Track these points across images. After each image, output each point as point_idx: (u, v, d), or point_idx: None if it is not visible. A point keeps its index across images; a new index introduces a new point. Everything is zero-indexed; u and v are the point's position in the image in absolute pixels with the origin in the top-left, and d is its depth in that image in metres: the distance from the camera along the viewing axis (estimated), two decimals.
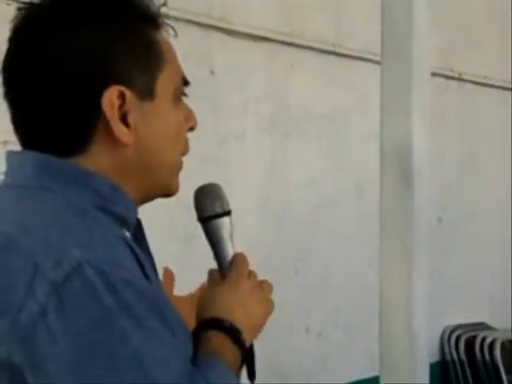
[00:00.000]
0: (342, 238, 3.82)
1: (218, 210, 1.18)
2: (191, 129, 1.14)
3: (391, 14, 2.06)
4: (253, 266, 3.89)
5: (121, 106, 1.01)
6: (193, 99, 3.49)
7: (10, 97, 1.04)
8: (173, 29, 1.12)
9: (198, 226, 1.20)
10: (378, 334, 2.04)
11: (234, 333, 1.08)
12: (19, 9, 1.04)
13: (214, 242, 1.19)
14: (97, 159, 1.03)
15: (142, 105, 1.04)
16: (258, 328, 1.15)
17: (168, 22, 1.12)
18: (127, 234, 1.05)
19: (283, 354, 3.41)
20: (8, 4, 2.39)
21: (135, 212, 1.09)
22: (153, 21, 1.08)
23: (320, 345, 3.71)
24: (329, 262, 3.77)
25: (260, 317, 1.15)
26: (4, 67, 1.04)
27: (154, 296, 0.95)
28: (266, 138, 3.49)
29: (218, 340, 1.06)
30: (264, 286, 1.17)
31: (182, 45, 3.58)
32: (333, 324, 3.79)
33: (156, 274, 1.14)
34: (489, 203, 4.82)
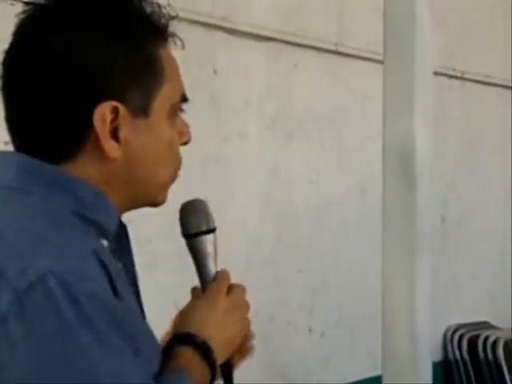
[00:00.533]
0: (344, 238, 3.82)
1: (203, 228, 1.18)
2: (184, 143, 1.15)
3: (393, 13, 2.06)
4: (255, 265, 3.88)
5: (113, 121, 1.01)
6: (196, 98, 3.48)
7: (5, 92, 1.04)
8: (181, 40, 1.12)
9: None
10: (380, 333, 2.04)
11: (204, 350, 1.08)
12: (26, 3, 1.04)
13: (198, 258, 1.19)
14: (84, 168, 1.03)
15: (136, 121, 1.04)
16: (231, 346, 1.15)
17: (174, 27, 1.11)
18: (105, 242, 1.04)
19: (285, 352, 3.41)
20: (12, 4, 2.39)
21: (118, 220, 1.08)
22: (160, 33, 1.08)
23: (322, 344, 3.71)
24: (331, 262, 3.77)
25: (234, 335, 1.15)
26: (4, 62, 1.04)
27: (120, 311, 0.94)
28: (269, 138, 3.49)
29: (187, 356, 1.07)
30: (241, 305, 1.17)
31: (185, 44, 3.57)
32: (335, 323, 3.79)
33: (135, 283, 1.14)
34: (490, 202, 4.82)
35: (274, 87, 3.51)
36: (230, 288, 1.17)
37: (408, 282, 1.99)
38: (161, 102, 1.06)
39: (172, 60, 1.11)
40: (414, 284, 1.99)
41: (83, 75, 1.01)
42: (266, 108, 3.48)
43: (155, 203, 1.13)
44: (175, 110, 1.10)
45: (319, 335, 3.69)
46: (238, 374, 1.30)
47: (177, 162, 1.13)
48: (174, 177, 1.13)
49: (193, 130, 3.53)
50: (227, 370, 1.18)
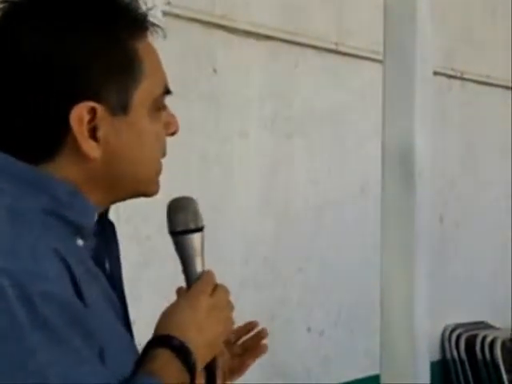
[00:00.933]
0: (343, 237, 3.82)
1: (191, 226, 1.15)
2: (172, 134, 1.13)
3: (394, 13, 2.07)
4: (255, 264, 3.87)
5: (91, 121, 1.01)
6: (195, 97, 3.50)
7: None
8: (162, 30, 1.10)
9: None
10: (378, 332, 2.04)
11: (183, 352, 1.05)
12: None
13: (184, 257, 1.15)
14: (64, 168, 1.02)
15: (115, 119, 1.03)
16: (213, 348, 1.12)
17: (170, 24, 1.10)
18: (80, 242, 1.03)
19: (285, 351, 3.41)
20: None
21: (96, 220, 1.07)
22: (138, 26, 1.06)
23: (321, 343, 3.71)
24: (331, 261, 3.77)
25: (215, 336, 1.11)
26: None
27: (80, 310, 0.93)
28: (269, 137, 3.49)
29: (163, 359, 1.03)
30: (224, 306, 1.13)
31: (185, 43, 3.57)
32: (334, 323, 3.79)
33: (120, 283, 1.13)
34: (489, 202, 4.82)
35: (273, 86, 3.51)
36: (214, 289, 1.13)
37: (406, 281, 2.00)
38: (141, 98, 1.05)
39: (152, 52, 1.09)
40: (413, 283, 1.99)
41: (59, 75, 1.00)
42: (266, 107, 3.48)
43: (147, 194, 1.12)
44: (158, 105, 1.08)
45: (318, 334, 3.69)
46: None
47: (162, 155, 1.12)
48: (159, 168, 1.12)
49: (192, 129, 3.54)
50: (211, 372, 1.15)
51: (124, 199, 1.12)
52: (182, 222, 1.15)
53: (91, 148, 1.01)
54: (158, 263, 2.80)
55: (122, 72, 1.03)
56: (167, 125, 1.11)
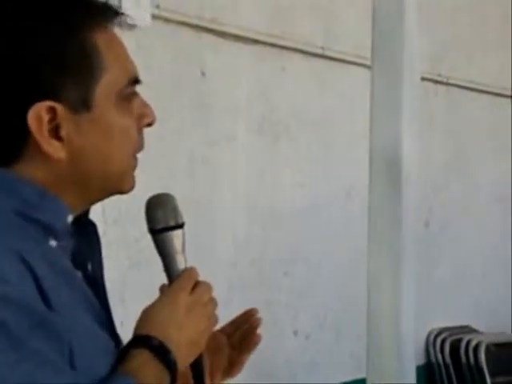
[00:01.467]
0: (330, 241, 3.83)
1: (172, 223, 1.13)
2: (148, 125, 1.10)
3: (382, 18, 2.07)
4: (242, 267, 3.86)
5: (51, 120, 0.99)
6: (184, 100, 3.50)
7: None
8: (124, 17, 1.07)
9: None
10: (365, 336, 2.05)
11: (162, 352, 1.03)
12: None
13: (165, 254, 1.13)
14: (31, 169, 1.01)
15: (78, 117, 1.01)
16: (196, 345, 1.09)
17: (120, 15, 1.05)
18: (53, 242, 1.02)
19: (270, 355, 3.41)
20: None
21: (68, 219, 1.05)
22: (96, 19, 1.03)
23: (307, 347, 3.72)
24: (317, 265, 3.77)
25: (198, 334, 1.09)
26: None
27: (42, 312, 0.92)
28: (256, 140, 3.50)
29: (141, 359, 1.02)
30: (206, 303, 1.11)
31: (173, 46, 3.57)
32: (320, 326, 3.80)
33: (101, 282, 1.11)
34: (476, 207, 4.84)
35: (261, 90, 3.51)
36: (195, 285, 1.11)
37: (393, 285, 2.00)
38: (103, 91, 1.02)
39: (113, 43, 1.06)
40: (399, 287, 2.00)
41: (13, 77, 0.98)
42: (254, 111, 3.49)
43: (121, 191, 1.10)
44: (125, 96, 1.05)
45: (304, 338, 3.70)
46: None
47: (135, 148, 1.09)
48: (132, 163, 1.09)
49: (181, 132, 3.54)
50: (197, 370, 1.14)
51: (101, 198, 1.10)
52: (161, 219, 1.13)
53: (54, 148, 1.00)
54: (146, 265, 2.79)
55: (79, 68, 1.01)
56: (141, 116, 1.08)
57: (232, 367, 1.31)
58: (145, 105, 1.09)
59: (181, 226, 1.14)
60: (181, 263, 1.13)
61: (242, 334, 1.31)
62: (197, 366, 1.13)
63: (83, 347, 0.96)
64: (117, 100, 1.04)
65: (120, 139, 1.06)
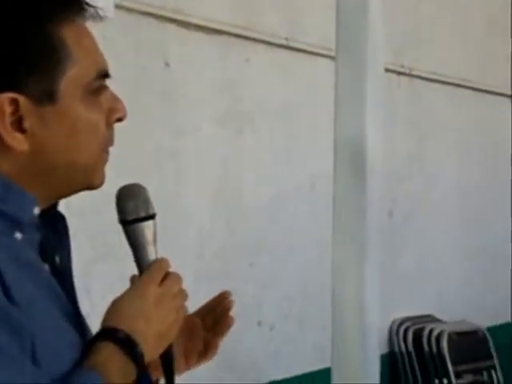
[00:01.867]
0: (295, 233, 3.84)
1: (142, 214, 1.12)
2: (119, 119, 1.10)
3: (346, 9, 2.08)
4: (208, 259, 3.84)
5: (14, 112, 0.98)
6: (149, 91, 3.47)
7: None
8: (96, 9, 1.06)
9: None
10: (329, 327, 2.06)
11: (128, 344, 1.02)
12: None
13: (136, 246, 1.13)
14: None
15: (42, 109, 1.00)
16: (164, 338, 1.09)
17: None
18: (18, 235, 1.01)
19: (234, 346, 3.42)
20: None
21: (35, 211, 1.04)
22: (63, 11, 1.02)
23: (272, 338, 3.73)
24: (282, 256, 3.78)
25: (166, 326, 1.08)
26: None
27: (5, 308, 0.91)
28: (221, 132, 3.49)
29: (107, 352, 1.01)
30: (176, 294, 1.10)
31: (137, 36, 3.53)
32: (285, 317, 3.81)
33: (69, 276, 1.10)
34: (439, 197, 4.89)
35: (225, 81, 3.51)
36: (165, 277, 1.10)
37: (357, 275, 2.02)
38: (69, 85, 1.02)
39: (82, 35, 1.05)
40: (363, 278, 2.01)
41: None
42: (218, 102, 3.48)
43: (90, 186, 1.09)
44: (93, 89, 1.05)
45: (269, 328, 3.71)
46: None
47: (102, 143, 1.08)
48: (100, 158, 1.08)
49: (147, 124, 3.51)
50: (167, 360, 1.13)
51: (70, 192, 1.09)
52: (132, 210, 1.12)
53: (17, 140, 0.99)
54: (111, 257, 2.78)
55: (44, 61, 1.00)
56: (111, 111, 1.08)
57: (207, 350, 1.32)
58: (115, 99, 1.09)
59: (152, 216, 1.13)
60: (152, 254, 1.13)
61: (215, 317, 1.32)
62: (166, 356, 1.13)
63: (47, 341, 0.95)
64: (84, 93, 1.03)
65: (87, 133, 1.05)
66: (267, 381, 3.70)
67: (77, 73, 1.02)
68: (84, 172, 1.07)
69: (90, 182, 1.09)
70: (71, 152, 1.04)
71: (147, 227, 1.13)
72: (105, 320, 1.06)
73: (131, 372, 1.02)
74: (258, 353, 3.69)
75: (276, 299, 3.76)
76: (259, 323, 3.69)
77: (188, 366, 1.30)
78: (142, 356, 1.03)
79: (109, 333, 1.03)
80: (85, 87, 1.03)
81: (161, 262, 1.12)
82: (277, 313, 3.76)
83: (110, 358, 1.01)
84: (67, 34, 1.02)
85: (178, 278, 1.11)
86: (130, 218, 1.12)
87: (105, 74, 1.07)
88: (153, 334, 1.06)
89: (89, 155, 1.06)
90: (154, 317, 1.07)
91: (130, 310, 1.06)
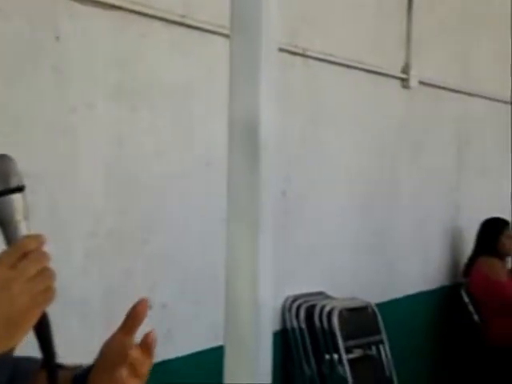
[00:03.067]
0: (189, 211, 3.84)
1: (10, 185, 1.05)
2: None
3: None
4: (101, 236, 3.77)
5: None
6: (37, 65, 3.36)
7: None
8: None
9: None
10: (223, 305, 2.07)
11: None
12: None
13: (4, 220, 1.05)
14: None
15: None
16: (14, 325, 1.00)
17: None
18: None
19: None
20: None
21: None
22: None
23: (164, 317, 3.72)
24: (176, 234, 3.78)
25: (16, 313, 0.99)
26: None
27: None
28: (115, 109, 3.44)
29: None
30: (29, 278, 1.01)
31: (27, 9, 3.42)
32: (178, 295, 3.81)
33: None
34: (331, 177, 4.97)
35: (120, 57, 3.45)
36: (24, 256, 1.01)
37: (251, 253, 2.03)
38: None
39: None
40: (257, 256, 2.03)
41: None
42: (112, 78, 3.42)
43: None
44: None
45: (161, 307, 3.70)
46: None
47: None
48: None
49: (38, 100, 3.42)
50: (43, 341, 1.07)
51: None
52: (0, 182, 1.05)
53: None
54: None
55: None
56: None
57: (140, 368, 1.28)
58: None
59: (21, 188, 1.07)
60: (22, 230, 1.06)
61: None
62: (42, 337, 1.08)
63: None
64: None
65: None
66: (159, 360, 3.69)
67: None
68: None
69: None
70: None
71: (17, 200, 1.06)
72: None
73: None
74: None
75: (169, 277, 3.75)
76: (152, 302, 3.68)
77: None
78: None
79: None
80: None
81: (23, 240, 1.04)
82: (170, 291, 3.76)
83: None
84: None
85: (38, 257, 1.03)
86: None
87: None
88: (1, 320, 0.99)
89: None
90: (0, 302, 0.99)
91: None
